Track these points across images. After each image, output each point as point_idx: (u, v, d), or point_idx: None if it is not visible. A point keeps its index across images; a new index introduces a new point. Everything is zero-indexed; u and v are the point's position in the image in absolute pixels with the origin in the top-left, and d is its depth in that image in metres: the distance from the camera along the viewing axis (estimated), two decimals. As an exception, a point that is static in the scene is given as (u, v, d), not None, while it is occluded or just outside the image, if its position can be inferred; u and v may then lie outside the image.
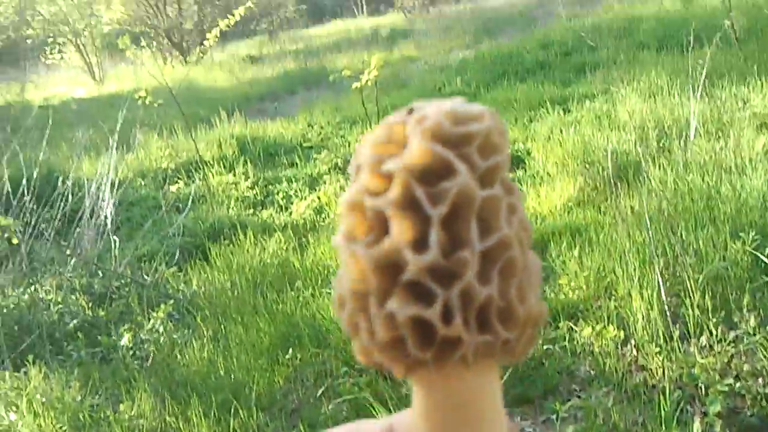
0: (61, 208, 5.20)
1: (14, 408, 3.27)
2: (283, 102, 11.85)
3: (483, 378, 0.51)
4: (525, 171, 5.96)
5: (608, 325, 3.34)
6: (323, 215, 5.63)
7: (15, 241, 3.80)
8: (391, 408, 2.70)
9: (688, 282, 3.44)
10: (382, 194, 0.49)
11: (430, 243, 0.47)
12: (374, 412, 2.76)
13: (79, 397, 3.38)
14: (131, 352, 3.87)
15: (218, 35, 6.05)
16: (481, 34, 15.50)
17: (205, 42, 8.92)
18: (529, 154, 6.33)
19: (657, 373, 3.06)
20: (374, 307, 0.48)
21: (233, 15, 5.69)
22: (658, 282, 3.47)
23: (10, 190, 5.05)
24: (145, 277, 4.75)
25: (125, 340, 3.87)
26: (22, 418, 3.19)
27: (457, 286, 0.47)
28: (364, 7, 26.14)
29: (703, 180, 4.65)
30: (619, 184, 4.97)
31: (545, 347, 3.34)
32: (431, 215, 0.47)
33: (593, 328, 3.34)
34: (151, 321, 4.02)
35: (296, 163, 7.25)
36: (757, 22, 9.21)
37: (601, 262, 3.95)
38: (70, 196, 5.27)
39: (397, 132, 0.50)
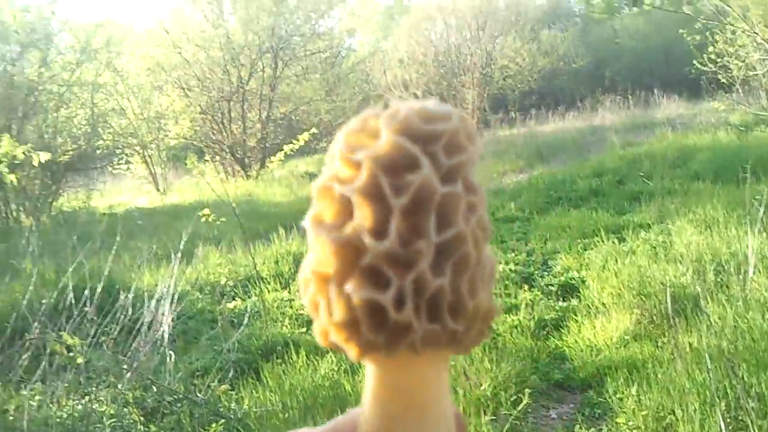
0: (120, 320, 5.30)
1: None
2: (339, 219, 11.99)
3: (432, 368, 0.54)
4: (579, 300, 5.92)
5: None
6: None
7: (80, 360, 3.86)
8: None
9: (751, 427, 3.34)
10: (351, 182, 0.51)
11: (390, 231, 0.50)
12: None
13: None
14: (180, 472, 3.85)
15: (282, 158, 6.25)
16: (534, 159, 15.69)
17: (269, 163, 9.24)
18: (583, 282, 6.30)
19: None
20: (334, 288, 0.51)
21: (296, 139, 5.90)
22: (720, 427, 3.37)
23: (73, 300, 5.18)
24: (198, 394, 4.77)
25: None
26: None
27: (412, 274, 0.50)
28: (420, 128, 26.67)
29: (763, 318, 4.56)
30: (677, 318, 4.90)
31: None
32: (393, 205, 0.50)
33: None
34: (202, 440, 4.01)
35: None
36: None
37: (660, 401, 3.86)
38: (130, 309, 5.37)
39: (371, 124, 0.53)
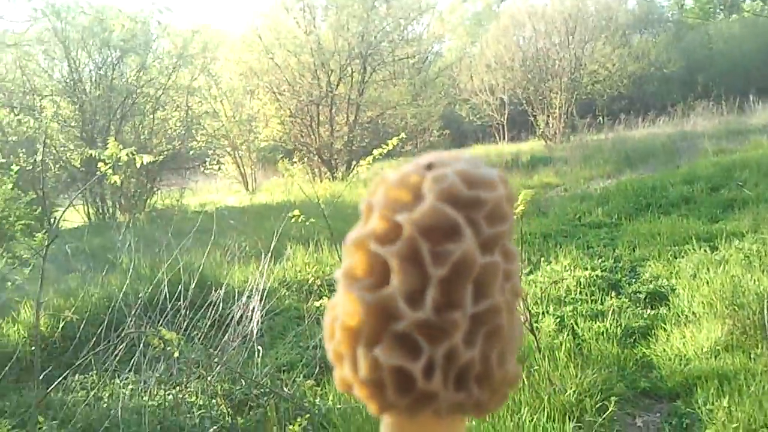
0: (211, 315, 5.47)
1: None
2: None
3: (450, 428, 0.53)
4: (669, 309, 5.79)
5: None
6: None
7: (176, 354, 4.01)
8: None
9: None
10: (388, 241, 0.51)
11: (426, 300, 0.49)
12: None
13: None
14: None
15: (371, 162, 6.33)
16: (623, 164, 15.38)
17: (357, 166, 9.36)
18: (673, 291, 6.16)
19: None
20: (362, 346, 0.50)
21: (386, 143, 5.96)
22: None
23: (167, 294, 5.37)
24: (284, 388, 4.88)
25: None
26: None
27: (444, 345, 0.49)
28: (506, 133, 26.54)
29: None
30: (771, 330, 4.75)
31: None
32: (431, 274, 0.49)
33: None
34: (287, 433, 4.10)
35: (434, 285, 7.33)
36: None
37: (752, 414, 3.75)
38: (221, 304, 5.54)
39: (413, 182, 0.52)
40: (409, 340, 0.50)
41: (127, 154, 3.67)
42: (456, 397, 0.50)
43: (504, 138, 26.51)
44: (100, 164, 3.83)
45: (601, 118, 24.05)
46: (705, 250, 7.11)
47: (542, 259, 7.59)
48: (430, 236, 0.50)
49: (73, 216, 13.56)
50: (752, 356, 4.61)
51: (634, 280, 6.70)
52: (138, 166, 3.79)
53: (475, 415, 0.53)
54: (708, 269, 6.32)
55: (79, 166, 13.83)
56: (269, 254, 5.78)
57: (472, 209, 0.51)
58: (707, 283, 5.93)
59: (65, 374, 3.98)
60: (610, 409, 3.97)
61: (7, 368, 5.36)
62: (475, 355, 0.50)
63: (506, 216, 0.52)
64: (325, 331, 0.54)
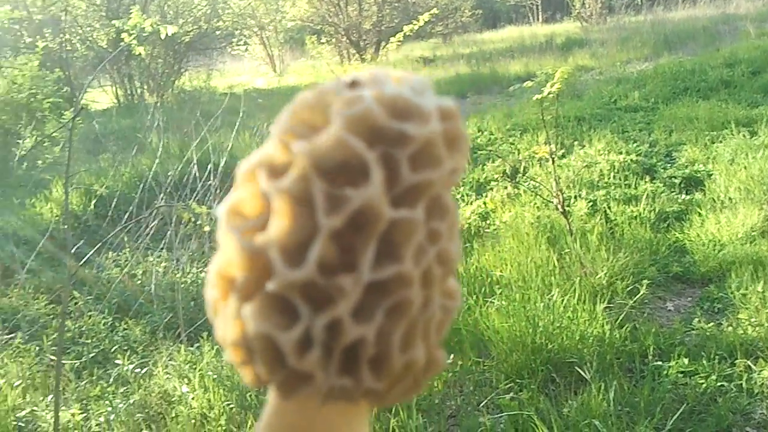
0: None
1: (187, 381, 3.45)
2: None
3: (342, 416, 0.43)
4: (704, 194, 5.68)
5: (791, 367, 3.14)
6: (488, 222, 5.60)
7: (206, 228, 4.02)
8: (555, 430, 2.65)
9: None
10: (279, 175, 0.40)
11: (308, 259, 0.39)
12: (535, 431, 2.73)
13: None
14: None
15: (401, 39, 6.14)
16: (661, 46, 14.90)
17: (388, 45, 9.13)
18: (709, 176, 6.03)
19: None
20: (235, 302, 0.41)
21: (415, 20, 5.76)
22: None
23: (197, 172, 5.36)
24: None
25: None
26: (193, 391, 3.35)
27: (326, 315, 0.39)
28: (540, 14, 25.79)
29: None
30: (809, 216, 4.65)
31: (719, 384, 3.17)
32: (321, 224, 0.39)
33: (774, 368, 3.15)
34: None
35: (464, 167, 7.24)
36: None
37: (787, 299, 3.71)
38: (250, 184, 5.52)
39: (327, 102, 0.41)
40: (289, 303, 0.40)
41: (151, 25, 3.55)
42: (339, 382, 0.40)
43: (538, 19, 25.76)
44: (123, 35, 3.73)
45: (639, -1, 23.19)
46: (744, 135, 6.93)
47: (575, 142, 7.46)
48: (330, 175, 0.39)
49: (101, 98, 13.55)
50: (789, 242, 4.54)
51: (669, 165, 6.57)
52: (162, 37, 3.67)
53: (372, 405, 0.44)
54: (746, 154, 6.17)
55: (105, 46, 13.71)
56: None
57: (391, 146, 0.40)
58: (745, 168, 5.80)
59: (96, 247, 4.01)
60: (641, 292, 3.95)
61: (40, 245, 5.45)
62: (367, 333, 0.39)
63: (439, 160, 0.41)
64: (207, 281, 0.43)
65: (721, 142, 6.98)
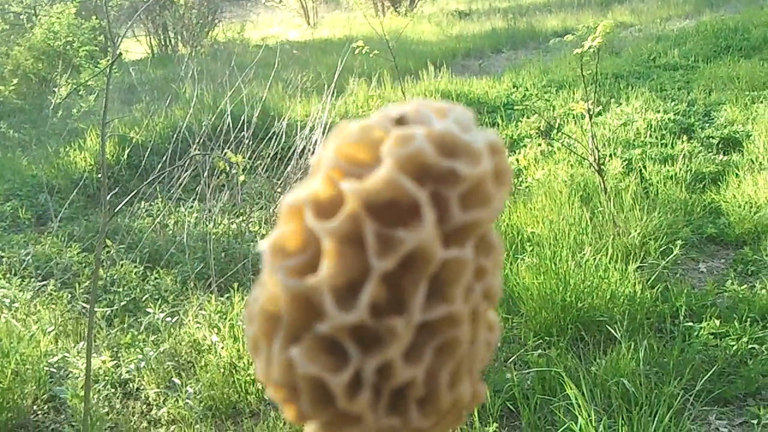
0: (273, 146, 5.48)
1: (217, 330, 3.49)
2: (489, 60, 11.75)
3: None
4: (742, 155, 5.58)
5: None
6: (521, 179, 5.56)
7: (242, 178, 4.02)
8: (583, 387, 2.65)
9: None
10: (328, 213, 0.39)
11: (360, 301, 0.38)
12: (563, 389, 2.73)
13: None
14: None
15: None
16: (703, 3, 14.53)
17: (422, 1, 9.03)
18: (748, 137, 5.91)
19: None
20: (280, 341, 0.40)
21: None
22: None
23: (231, 123, 5.36)
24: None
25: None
26: (223, 341, 3.40)
27: (377, 357, 0.38)
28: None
29: None
30: None
31: (750, 346, 3.15)
32: (373, 266, 0.38)
33: (806, 332, 3.11)
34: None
35: (498, 123, 7.19)
36: None
37: (822, 263, 3.65)
38: (283, 136, 5.53)
39: (375, 139, 0.40)
40: (337, 344, 0.39)
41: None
42: (388, 422, 0.39)
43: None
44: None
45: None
46: (786, 96, 6.78)
47: (612, 100, 7.34)
48: (381, 215, 0.38)
49: (136, 48, 13.56)
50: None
51: (707, 125, 6.44)
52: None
53: None
54: (788, 115, 6.03)
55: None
56: (332, 87, 5.68)
57: (442, 186, 0.39)
58: (786, 129, 5.68)
59: (129, 196, 4.05)
60: (674, 253, 3.91)
61: (74, 193, 5.52)
62: (418, 373, 0.39)
63: (489, 199, 0.39)
64: (245, 315, 0.42)
65: (762, 102, 6.83)
